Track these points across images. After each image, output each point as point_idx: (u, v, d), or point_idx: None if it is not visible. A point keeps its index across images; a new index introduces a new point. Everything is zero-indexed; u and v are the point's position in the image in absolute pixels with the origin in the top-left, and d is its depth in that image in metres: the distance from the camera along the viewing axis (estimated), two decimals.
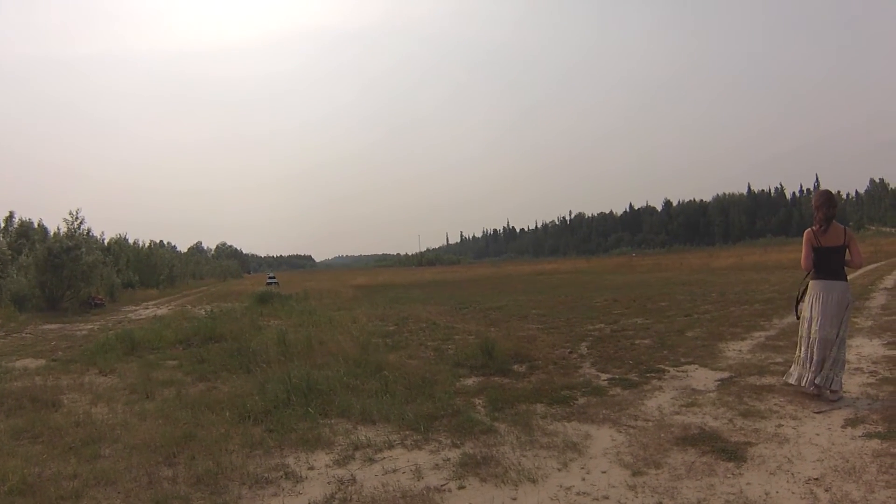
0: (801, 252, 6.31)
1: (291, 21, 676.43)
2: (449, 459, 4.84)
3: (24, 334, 16.81)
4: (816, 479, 4.10)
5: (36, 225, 37.29)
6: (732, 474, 4.24)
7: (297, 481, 4.55)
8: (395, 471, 4.67)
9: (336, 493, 4.28)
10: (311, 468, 4.82)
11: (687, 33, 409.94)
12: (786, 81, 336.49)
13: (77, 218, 30.15)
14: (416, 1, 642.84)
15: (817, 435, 5.03)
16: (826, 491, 3.90)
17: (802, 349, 6.29)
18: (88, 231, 32.99)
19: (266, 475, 4.65)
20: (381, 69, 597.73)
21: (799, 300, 6.67)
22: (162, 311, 25.36)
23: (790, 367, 6.59)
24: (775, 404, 5.97)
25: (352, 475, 4.61)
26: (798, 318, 6.62)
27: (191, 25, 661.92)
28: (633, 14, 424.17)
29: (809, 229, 6.27)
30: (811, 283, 6.30)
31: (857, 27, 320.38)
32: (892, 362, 7.62)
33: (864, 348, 8.58)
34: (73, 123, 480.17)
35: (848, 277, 6.31)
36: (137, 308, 28.70)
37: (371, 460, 4.93)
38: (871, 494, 3.81)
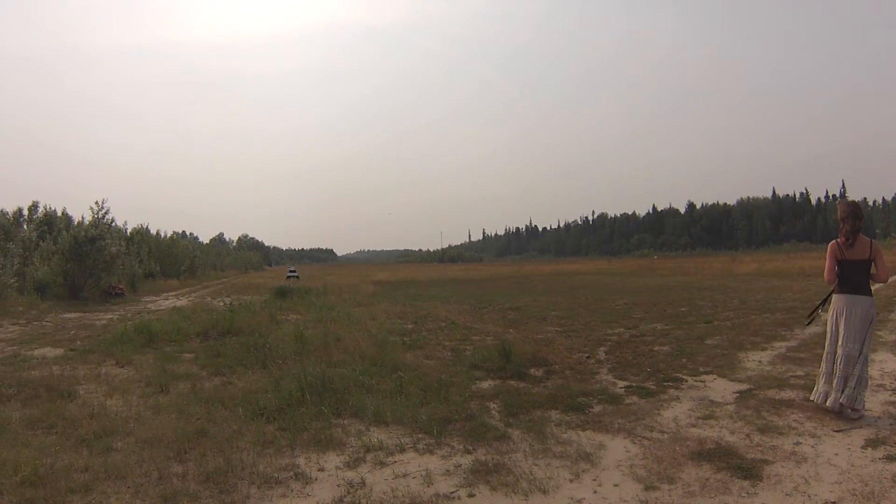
0: (825, 264, 6.18)
1: (314, 16, 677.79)
2: (460, 466, 4.80)
3: (44, 322, 17.01)
4: (834, 502, 3.99)
5: (60, 213, 37.69)
6: (747, 493, 4.15)
7: (307, 482, 4.53)
8: (405, 475, 4.64)
9: (345, 496, 4.26)
10: (322, 469, 4.81)
11: (714, 35, 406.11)
12: (814, 86, 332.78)
13: (102, 208, 30.43)
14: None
15: (836, 455, 4.91)
16: None
17: (825, 365, 6.17)
18: (112, 221, 33.25)
19: (276, 475, 4.65)
20: (404, 65, 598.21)
21: (817, 308, 6.58)
22: (181, 302, 25.57)
23: (813, 382, 6.48)
24: (794, 420, 5.85)
25: (362, 478, 4.59)
26: (807, 323, 6.60)
27: (217, 18, 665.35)
28: (659, 15, 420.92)
29: (834, 241, 6.14)
30: (835, 297, 6.17)
31: (891, 31, 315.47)
32: None
33: (887, 364, 8.39)
34: (97, 113, 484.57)
35: (872, 291, 6.17)
36: (157, 298, 28.95)
37: (382, 463, 4.91)
38: None
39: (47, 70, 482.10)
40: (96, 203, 30.36)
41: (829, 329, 6.23)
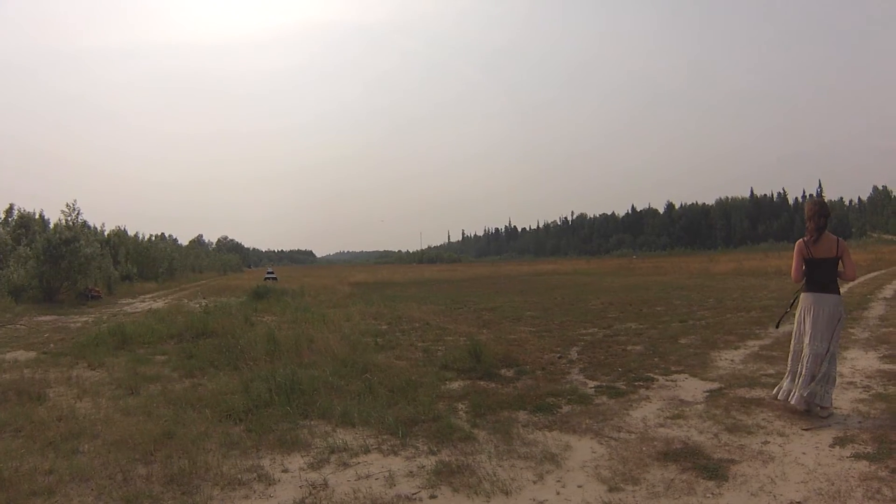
0: (793, 263, 6.21)
1: (297, 16, 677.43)
2: (424, 467, 4.78)
3: (18, 325, 16.86)
4: (799, 502, 3.98)
5: (37, 216, 37.39)
6: (712, 494, 4.14)
7: (270, 484, 4.52)
8: (368, 477, 4.62)
9: (306, 497, 4.25)
10: (286, 471, 4.79)
11: (692, 37, 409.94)
12: (791, 86, 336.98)
13: (74, 210, 30.23)
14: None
15: (804, 454, 4.90)
16: None
17: (791, 363, 6.19)
18: (84, 223, 33.00)
19: (239, 476, 4.63)
20: (386, 66, 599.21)
21: (786, 311, 6.62)
22: (158, 304, 25.39)
23: (781, 380, 6.50)
24: (763, 419, 5.86)
25: (324, 479, 4.57)
26: (777, 325, 6.88)
27: (197, 19, 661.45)
28: (639, 17, 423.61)
29: (801, 240, 6.15)
30: (802, 295, 6.18)
31: (866, 32, 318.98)
32: (886, 377, 7.43)
33: (858, 361, 8.41)
34: (78, 115, 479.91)
35: (842, 289, 6.19)
36: (134, 301, 28.74)
37: (345, 465, 4.89)
38: None
39: (29, 71, 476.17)
40: (67, 205, 30.20)
41: (795, 327, 6.25)
